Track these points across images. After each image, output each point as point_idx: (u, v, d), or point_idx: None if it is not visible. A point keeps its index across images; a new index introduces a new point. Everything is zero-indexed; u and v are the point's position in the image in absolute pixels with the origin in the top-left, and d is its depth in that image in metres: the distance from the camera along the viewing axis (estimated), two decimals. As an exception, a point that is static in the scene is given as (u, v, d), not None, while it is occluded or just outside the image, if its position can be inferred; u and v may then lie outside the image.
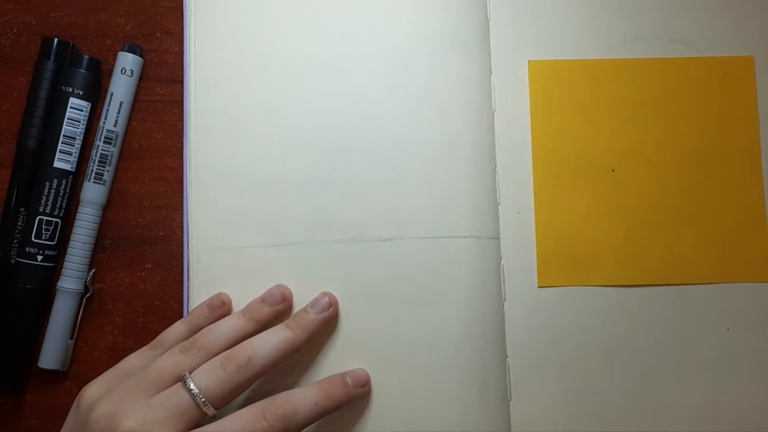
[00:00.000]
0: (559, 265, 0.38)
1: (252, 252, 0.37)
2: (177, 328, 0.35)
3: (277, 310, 0.35)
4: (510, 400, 0.36)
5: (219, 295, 0.36)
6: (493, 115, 0.39)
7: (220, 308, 0.36)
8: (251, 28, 0.39)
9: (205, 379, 0.31)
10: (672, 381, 0.37)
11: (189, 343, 0.33)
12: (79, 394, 0.32)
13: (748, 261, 0.38)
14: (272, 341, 0.33)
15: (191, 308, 0.36)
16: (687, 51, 0.39)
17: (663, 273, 0.38)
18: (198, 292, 0.37)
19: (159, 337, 0.35)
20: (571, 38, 0.39)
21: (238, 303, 0.36)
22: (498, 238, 0.38)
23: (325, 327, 0.36)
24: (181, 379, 0.31)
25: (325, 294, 0.36)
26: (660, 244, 0.38)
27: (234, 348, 0.33)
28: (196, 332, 0.34)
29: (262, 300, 0.36)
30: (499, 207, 0.38)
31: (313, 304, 0.36)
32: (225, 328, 0.34)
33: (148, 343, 0.35)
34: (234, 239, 0.37)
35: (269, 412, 0.31)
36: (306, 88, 0.38)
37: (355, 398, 0.35)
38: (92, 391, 0.32)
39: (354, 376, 0.35)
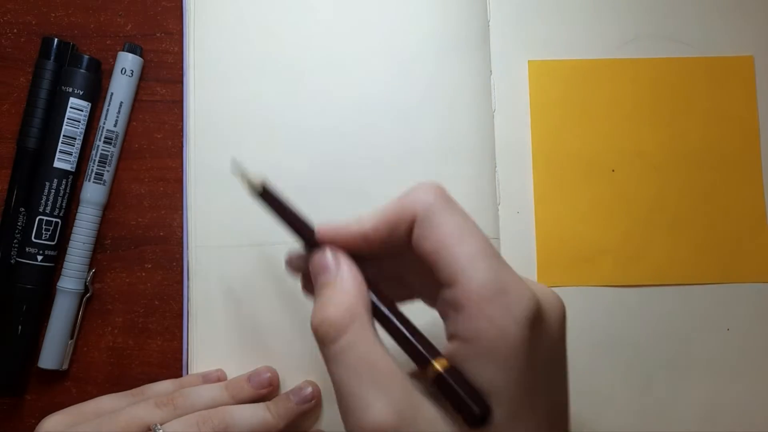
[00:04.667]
0: (559, 265, 0.38)
1: (252, 251, 0.37)
2: (164, 385, 0.35)
3: (261, 394, 0.35)
4: (510, 400, 0.36)
5: (218, 371, 0.36)
6: (493, 115, 0.39)
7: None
8: (251, 29, 0.39)
9: None
10: (672, 381, 0.37)
11: (166, 399, 0.32)
12: (40, 422, 0.31)
13: (748, 261, 0.38)
14: (252, 420, 0.32)
15: (191, 308, 0.36)
16: (687, 51, 0.39)
17: (663, 273, 0.38)
18: (198, 292, 0.37)
19: (142, 387, 0.34)
20: (571, 38, 0.39)
21: (238, 303, 0.36)
22: (498, 238, 0.38)
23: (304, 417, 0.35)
24: (151, 429, 0.30)
25: (309, 383, 0.35)
26: (660, 244, 0.38)
27: (213, 410, 0.32)
28: None
29: (249, 379, 0.35)
30: (499, 207, 0.38)
31: (296, 392, 0.35)
32: (205, 396, 0.33)
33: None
34: (234, 239, 0.37)
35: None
36: (306, 89, 0.38)
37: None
38: (54, 422, 0.31)
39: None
